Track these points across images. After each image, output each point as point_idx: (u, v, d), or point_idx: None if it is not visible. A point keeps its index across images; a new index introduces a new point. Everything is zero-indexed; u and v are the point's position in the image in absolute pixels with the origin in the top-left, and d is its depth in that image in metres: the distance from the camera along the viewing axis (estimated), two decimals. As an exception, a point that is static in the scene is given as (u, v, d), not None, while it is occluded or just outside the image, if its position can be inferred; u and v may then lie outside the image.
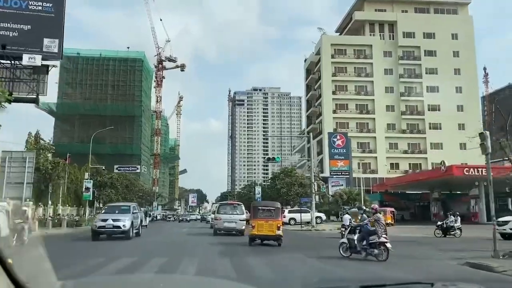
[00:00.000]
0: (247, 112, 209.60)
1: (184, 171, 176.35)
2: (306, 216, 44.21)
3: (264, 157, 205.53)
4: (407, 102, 71.22)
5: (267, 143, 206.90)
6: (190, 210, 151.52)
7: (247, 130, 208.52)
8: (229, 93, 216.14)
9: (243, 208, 27.96)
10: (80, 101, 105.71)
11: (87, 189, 45.36)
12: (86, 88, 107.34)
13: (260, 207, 20.48)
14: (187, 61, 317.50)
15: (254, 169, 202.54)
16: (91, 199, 45.81)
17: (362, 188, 45.40)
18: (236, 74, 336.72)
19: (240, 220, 25.77)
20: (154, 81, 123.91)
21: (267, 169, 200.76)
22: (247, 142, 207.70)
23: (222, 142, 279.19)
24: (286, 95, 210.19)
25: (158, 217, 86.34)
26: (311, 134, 39.12)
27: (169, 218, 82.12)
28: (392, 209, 41.05)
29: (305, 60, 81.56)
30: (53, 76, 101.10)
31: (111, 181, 56.24)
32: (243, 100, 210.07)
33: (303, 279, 9.68)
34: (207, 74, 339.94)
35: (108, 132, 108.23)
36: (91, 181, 46.62)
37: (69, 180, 55.41)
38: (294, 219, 44.10)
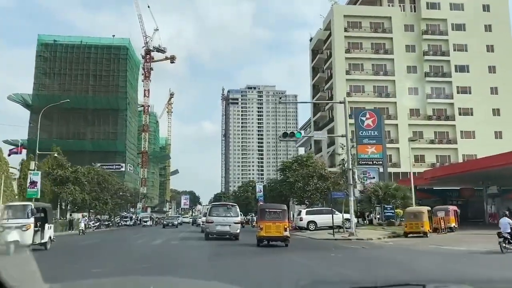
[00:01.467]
0: (241, 111, 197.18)
1: (176, 171, 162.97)
2: (329, 219, 31.75)
3: (259, 157, 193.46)
4: (432, 84, 59.00)
5: (262, 142, 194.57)
6: (182, 212, 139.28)
7: (241, 130, 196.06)
8: (223, 91, 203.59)
9: (238, 209, 24.35)
10: (59, 92, 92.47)
11: (33, 183, 32.42)
12: (65, 79, 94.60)
13: (267, 209, 20.05)
14: (180, 64, 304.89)
15: (249, 169, 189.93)
16: (38, 196, 32.78)
17: (411, 180, 32.61)
18: (230, 77, 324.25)
19: (235, 223, 22.60)
20: (142, 74, 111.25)
21: (262, 169, 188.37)
22: (242, 142, 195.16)
23: (215, 145, 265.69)
24: (282, 93, 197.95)
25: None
26: (345, 98, 26.69)
27: (146, 221, 62.03)
28: (455, 208, 28.63)
29: (310, 40, 69.07)
30: (28, 66, 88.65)
31: (75, 175, 43.18)
32: (237, 99, 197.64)
33: (295, 281, 8.70)
34: (200, 77, 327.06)
35: (89, 127, 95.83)
36: (39, 172, 33.67)
37: (23, 174, 42.51)
38: (314, 222, 31.52)
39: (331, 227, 31.70)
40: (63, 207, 47.68)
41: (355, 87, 57.57)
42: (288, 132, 24.03)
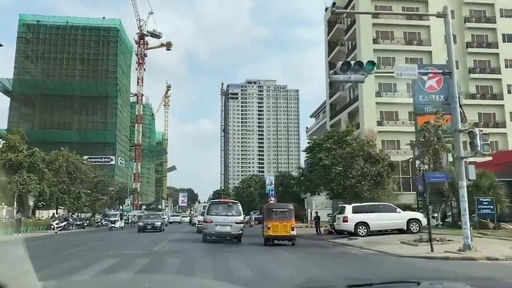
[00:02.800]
0: (241, 106, 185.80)
1: (173, 168, 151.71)
2: (389, 219, 20.84)
3: (260, 154, 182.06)
4: (475, 56, 47.95)
5: (262, 138, 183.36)
6: (180, 210, 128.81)
7: (241, 125, 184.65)
8: (222, 86, 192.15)
9: (240, 207, 20.41)
10: (42, 78, 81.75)
11: None
12: (50, 63, 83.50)
13: (274, 209, 19.61)
14: (179, 62, 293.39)
15: (249, 166, 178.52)
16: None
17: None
18: (229, 75, 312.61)
19: (236, 222, 19.11)
20: (136, 63, 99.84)
21: (262, 166, 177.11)
22: (241, 138, 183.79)
23: (215, 143, 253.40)
24: (283, 88, 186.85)
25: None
26: (448, 10, 15.83)
27: (114, 221, 38.01)
28: None
29: (326, 9, 58.02)
30: (8, 48, 77.61)
31: (31, 160, 31.79)
32: (236, 94, 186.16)
33: (289, 279, 8.49)
34: (199, 75, 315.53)
35: (75, 116, 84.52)
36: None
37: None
38: (365, 224, 20.26)
39: (386, 232, 20.75)
40: (27, 203, 36.36)
41: (384, 59, 46.32)
42: (352, 62, 12.91)
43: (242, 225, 19.71)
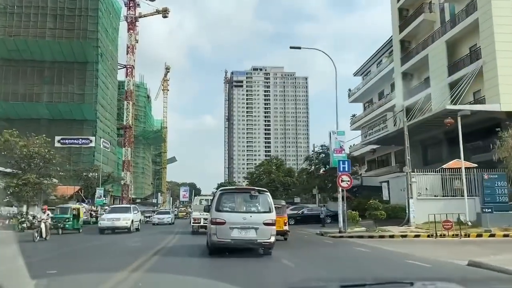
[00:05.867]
0: (247, 95, 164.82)
1: (173, 159, 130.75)
2: None
3: (266, 145, 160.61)
4: None
5: (269, 129, 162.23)
6: (181, 206, 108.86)
7: (247, 115, 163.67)
8: (226, 74, 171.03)
9: (270, 199, 11.58)
10: (3, 37, 60.88)
11: None
12: (13, 19, 63.26)
13: None
14: (181, 57, 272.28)
15: (255, 158, 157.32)
16: None
17: None
18: (233, 69, 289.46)
19: (265, 223, 11.04)
20: (128, 31, 79.04)
21: (269, 158, 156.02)
22: (247, 128, 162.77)
23: (218, 138, 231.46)
24: (291, 75, 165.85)
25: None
26: None
27: None
28: None
29: None
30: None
31: None
32: (241, 81, 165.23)
33: (283, 279, 7.94)
34: (202, 70, 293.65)
35: (45, 86, 63.37)
36: None
37: None
38: None
39: None
40: None
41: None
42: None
43: (274, 227, 11.18)
